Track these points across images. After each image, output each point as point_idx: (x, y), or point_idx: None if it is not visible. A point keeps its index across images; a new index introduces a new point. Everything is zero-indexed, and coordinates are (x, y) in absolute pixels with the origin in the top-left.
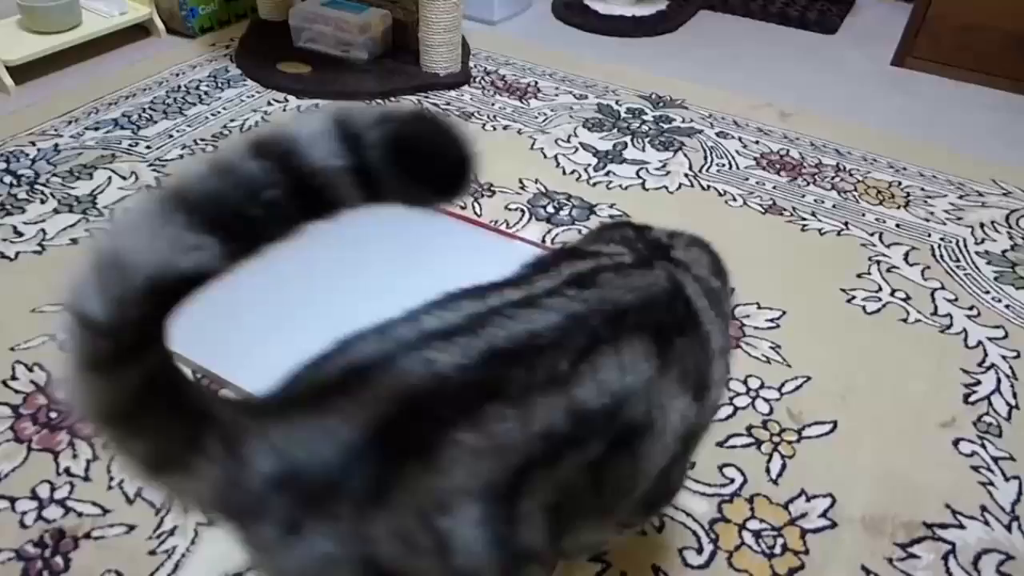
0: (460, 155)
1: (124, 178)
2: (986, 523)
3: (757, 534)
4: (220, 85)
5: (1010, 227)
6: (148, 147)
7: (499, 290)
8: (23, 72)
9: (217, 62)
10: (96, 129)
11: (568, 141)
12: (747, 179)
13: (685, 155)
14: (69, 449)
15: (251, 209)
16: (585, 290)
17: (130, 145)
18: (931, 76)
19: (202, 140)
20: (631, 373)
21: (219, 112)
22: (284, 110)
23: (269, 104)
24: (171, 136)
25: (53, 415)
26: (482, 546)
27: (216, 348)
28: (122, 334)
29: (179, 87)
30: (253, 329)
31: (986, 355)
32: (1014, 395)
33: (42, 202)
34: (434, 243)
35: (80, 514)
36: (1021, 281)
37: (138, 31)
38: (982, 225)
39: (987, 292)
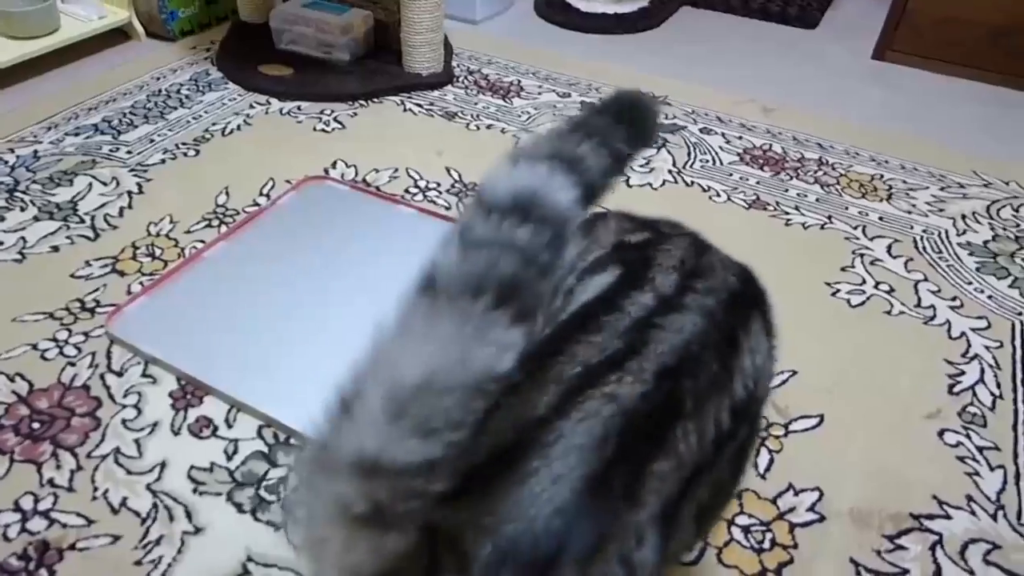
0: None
1: (105, 184)
2: (972, 513)
3: (746, 529)
4: (201, 88)
5: (991, 218)
6: (129, 152)
7: (625, 295)
8: (1, 78)
9: (198, 65)
10: (76, 135)
11: None
12: (731, 174)
13: (668, 151)
14: (52, 460)
15: (538, 281)
16: (704, 279)
17: (111, 150)
18: (911, 69)
19: (184, 144)
20: (758, 352)
21: (200, 116)
22: (266, 113)
23: (251, 107)
24: (152, 141)
25: (35, 426)
26: (652, 565)
27: (201, 356)
28: (441, 470)
29: (160, 91)
30: (247, 343)
31: (969, 345)
32: (998, 385)
33: (22, 209)
34: (415, 240)
35: (64, 525)
36: (1003, 271)
37: (117, 35)
38: (964, 216)
39: (969, 283)
